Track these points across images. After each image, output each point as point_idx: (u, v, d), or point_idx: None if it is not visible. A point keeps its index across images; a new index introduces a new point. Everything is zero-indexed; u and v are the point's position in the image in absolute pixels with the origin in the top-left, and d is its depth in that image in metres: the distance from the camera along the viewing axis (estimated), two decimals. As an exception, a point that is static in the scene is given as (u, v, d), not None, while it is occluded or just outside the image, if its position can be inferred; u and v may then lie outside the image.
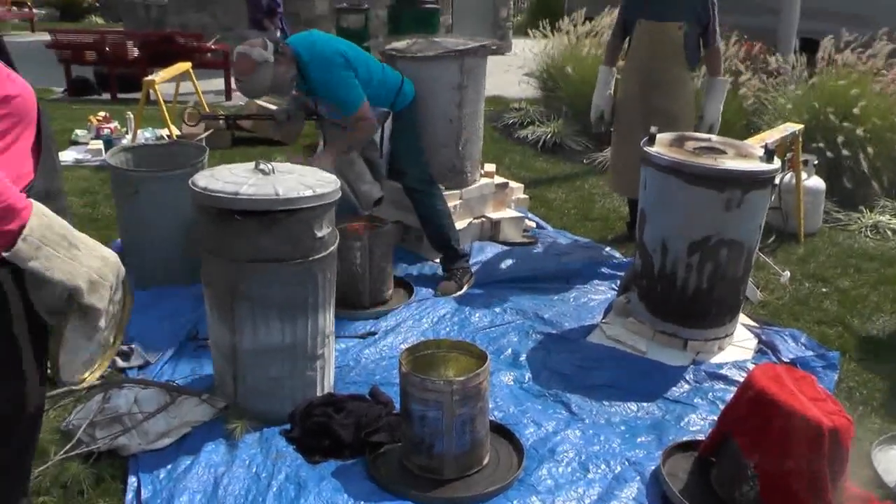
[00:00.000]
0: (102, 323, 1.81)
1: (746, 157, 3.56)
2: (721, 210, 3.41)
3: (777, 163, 3.50)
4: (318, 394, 3.18)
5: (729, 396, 3.23)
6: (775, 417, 2.40)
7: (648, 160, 3.60)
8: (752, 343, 3.76)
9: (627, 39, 4.85)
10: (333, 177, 3.09)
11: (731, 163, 3.44)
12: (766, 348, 3.71)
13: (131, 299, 2.04)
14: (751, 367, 3.50)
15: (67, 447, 2.81)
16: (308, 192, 2.84)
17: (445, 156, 4.82)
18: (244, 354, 3.01)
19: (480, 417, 2.74)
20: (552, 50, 8.60)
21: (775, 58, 6.97)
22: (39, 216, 1.66)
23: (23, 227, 1.61)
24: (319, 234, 2.93)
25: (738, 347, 3.71)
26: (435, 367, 2.92)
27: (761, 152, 3.58)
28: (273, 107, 7.42)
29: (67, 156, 6.71)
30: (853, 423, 2.47)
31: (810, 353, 3.65)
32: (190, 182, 2.93)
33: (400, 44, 4.92)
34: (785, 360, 3.57)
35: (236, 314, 2.94)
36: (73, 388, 1.83)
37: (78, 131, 7.40)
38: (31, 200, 1.66)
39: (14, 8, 16.40)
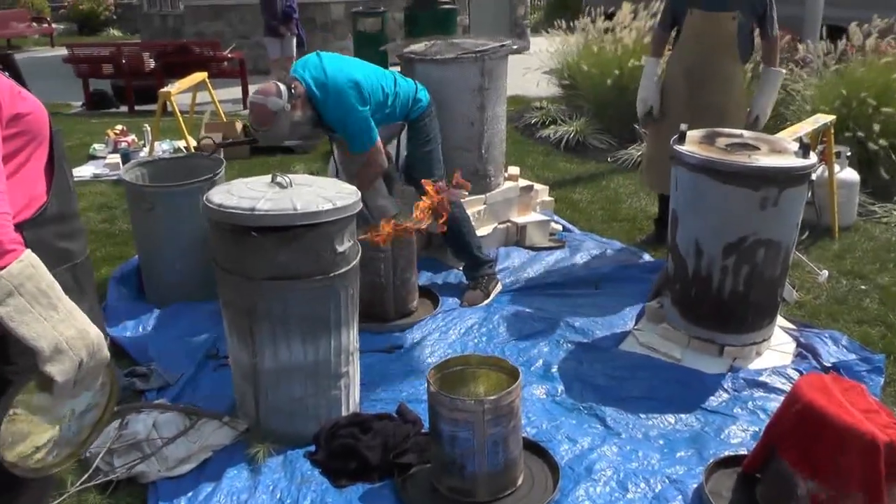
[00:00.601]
0: (61, 403, 1.69)
1: (781, 152, 3.41)
2: (757, 209, 3.27)
3: (814, 157, 3.36)
4: (344, 413, 3.07)
5: (770, 405, 3.11)
6: (825, 433, 2.27)
7: (679, 159, 3.46)
8: (791, 347, 3.60)
9: (675, 30, 4.63)
10: (353, 188, 2.98)
11: (765, 159, 3.30)
12: (805, 352, 3.55)
13: (114, 398, 1.91)
14: (791, 372, 3.37)
15: (84, 477, 2.72)
16: (328, 206, 2.73)
17: (467, 160, 4.70)
18: (265, 375, 2.91)
19: (513, 436, 2.62)
20: (570, 47, 8.44)
21: (803, 46, 6.79)
22: (26, 265, 1.57)
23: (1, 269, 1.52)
24: (340, 249, 2.82)
25: (776, 352, 3.56)
26: (465, 384, 2.80)
27: (796, 147, 3.43)
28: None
29: (85, 170, 6.66)
30: (910, 434, 2.33)
31: (853, 356, 3.49)
32: (204, 198, 2.84)
33: (418, 46, 4.81)
34: (826, 364, 3.42)
35: (255, 334, 2.84)
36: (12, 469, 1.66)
37: (96, 145, 7.36)
38: (27, 250, 1.57)
39: (34, 24, 16.47)
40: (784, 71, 4.88)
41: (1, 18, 15.51)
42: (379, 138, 3.85)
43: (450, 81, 4.54)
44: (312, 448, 2.95)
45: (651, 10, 7.54)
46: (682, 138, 3.53)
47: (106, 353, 1.75)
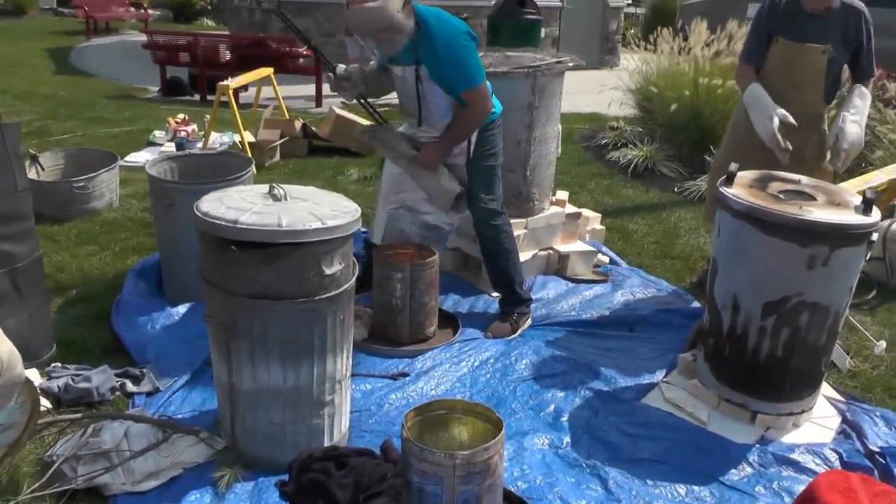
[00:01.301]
0: None
1: (839, 205, 3.06)
2: (803, 268, 2.93)
3: (876, 215, 3.00)
4: (326, 443, 2.87)
5: (798, 488, 2.78)
6: (837, 544, 1.95)
7: (723, 202, 3.14)
8: (835, 422, 3.24)
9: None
10: (354, 206, 2.77)
11: (818, 212, 2.96)
12: (850, 430, 3.18)
13: (35, 417, 1.75)
14: (828, 453, 3.01)
15: (40, 482, 2.57)
16: (316, 224, 2.53)
17: (511, 181, 4.45)
18: (242, 395, 2.74)
19: (489, 496, 2.37)
20: (650, 66, 8.08)
21: (893, 84, 6.31)
22: None
23: None
24: (329, 271, 2.62)
25: (816, 426, 3.21)
26: (447, 430, 2.56)
27: (858, 201, 3.07)
28: (357, 118, 7.23)
29: (140, 156, 6.66)
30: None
31: (905, 441, 3.12)
32: (195, 206, 2.67)
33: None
34: (872, 447, 3.04)
35: (233, 352, 2.67)
36: None
37: (156, 132, 7.38)
38: None
39: (132, 9, 16.91)
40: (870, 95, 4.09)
41: (101, 2, 15.96)
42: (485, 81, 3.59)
43: (498, 96, 4.28)
44: (286, 477, 2.75)
45: (728, 31, 7.12)
46: (729, 179, 3.22)
47: (19, 371, 1.60)
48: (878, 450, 3.03)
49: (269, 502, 2.65)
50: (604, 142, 8.10)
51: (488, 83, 3.73)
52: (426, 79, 3.57)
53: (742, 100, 4.11)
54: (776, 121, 3.77)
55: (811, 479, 2.61)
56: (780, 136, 3.77)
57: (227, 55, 9.61)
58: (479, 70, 3.58)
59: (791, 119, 3.77)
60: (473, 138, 3.77)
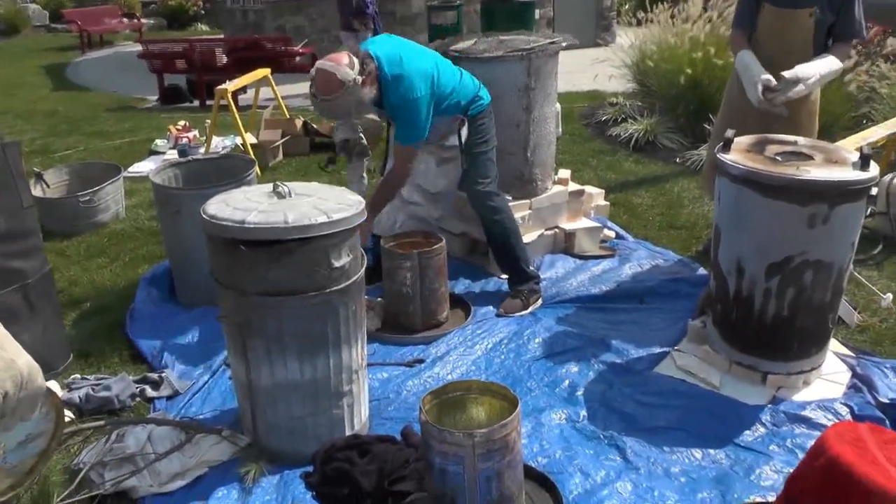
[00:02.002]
0: None
1: (837, 163, 3.08)
2: (804, 227, 2.96)
3: (874, 170, 3.01)
4: (348, 432, 2.93)
5: (810, 443, 2.78)
6: (852, 494, 1.99)
7: (722, 168, 3.17)
8: (845, 377, 3.28)
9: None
10: (358, 198, 2.82)
11: (816, 171, 2.98)
12: (861, 384, 3.22)
13: (61, 426, 1.79)
14: (839, 407, 3.05)
15: (69, 490, 2.64)
16: (322, 219, 2.58)
17: (512, 163, 4.49)
18: (262, 392, 2.79)
19: (509, 472, 2.42)
20: (645, 41, 8.08)
21: (890, 42, 6.30)
22: None
23: None
24: (337, 264, 2.66)
25: (827, 382, 3.24)
26: (465, 411, 2.61)
27: (855, 157, 3.10)
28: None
29: (144, 166, 6.71)
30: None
31: (917, 391, 3.15)
32: (201, 209, 2.73)
33: (464, 44, 4.62)
34: (883, 400, 3.07)
35: (250, 350, 2.72)
36: None
37: (158, 141, 7.43)
38: None
39: (125, 20, 16.93)
40: (840, 68, 3.96)
41: (94, 15, 16.00)
42: (420, 144, 3.71)
43: (494, 81, 4.32)
44: (310, 469, 2.81)
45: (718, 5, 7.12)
46: (727, 146, 3.24)
47: (40, 382, 1.65)
48: (888, 401, 3.07)
49: (295, 494, 2.70)
50: (604, 118, 8.10)
51: (470, 79, 3.89)
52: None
53: (732, 74, 4.15)
54: (760, 87, 3.80)
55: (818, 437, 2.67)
56: (766, 100, 3.79)
57: (224, 59, 9.65)
58: (416, 130, 3.64)
59: (774, 83, 3.79)
60: (464, 130, 3.87)
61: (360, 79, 3.38)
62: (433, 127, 3.76)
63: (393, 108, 3.61)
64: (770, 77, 3.79)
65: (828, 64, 3.82)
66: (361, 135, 4.19)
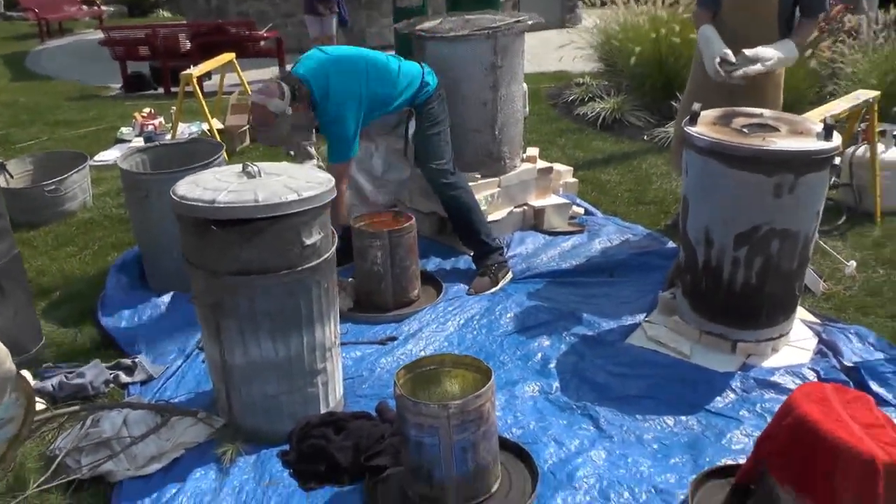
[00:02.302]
0: None
1: (802, 134, 3.14)
2: (770, 197, 3.01)
3: (837, 140, 3.07)
4: (322, 410, 2.94)
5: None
6: (819, 451, 2.04)
7: (689, 141, 3.21)
8: (812, 343, 3.35)
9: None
10: (327, 176, 2.82)
11: (782, 142, 3.03)
12: (826, 349, 3.29)
13: (32, 412, 1.78)
14: (807, 372, 3.12)
15: (45, 476, 2.63)
16: (292, 197, 2.58)
17: (480, 142, 4.51)
18: (235, 371, 2.79)
19: (484, 442, 2.45)
20: (610, 21, 8.11)
21: (848, 18, 6.37)
22: None
23: None
24: (309, 242, 2.67)
25: (794, 349, 3.31)
26: (438, 385, 2.64)
27: (819, 128, 3.15)
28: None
29: (110, 154, 6.64)
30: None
31: (880, 355, 3.21)
32: (171, 190, 2.71)
33: (430, 23, 4.62)
34: (848, 364, 3.15)
35: (223, 331, 2.72)
36: None
37: (123, 129, 7.34)
38: None
39: (84, 6, 16.63)
40: (795, 56, 3.99)
41: (52, 2, 15.64)
42: (351, 159, 3.84)
43: (460, 60, 4.34)
44: (286, 447, 2.82)
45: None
46: (693, 119, 3.28)
47: (8, 365, 1.64)
48: (852, 365, 3.15)
49: (272, 472, 2.71)
50: (571, 98, 8.13)
51: (411, 66, 3.96)
52: None
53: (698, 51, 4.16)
54: (717, 60, 3.85)
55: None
56: (723, 73, 3.84)
57: (188, 44, 9.53)
58: (342, 150, 3.75)
59: (731, 57, 3.83)
60: (412, 122, 3.99)
61: (289, 109, 3.54)
62: (382, 119, 3.90)
63: (323, 126, 3.77)
64: (729, 52, 3.84)
65: (788, 49, 3.87)
66: (307, 146, 4.49)
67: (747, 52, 3.78)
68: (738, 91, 3.93)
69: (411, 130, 4.02)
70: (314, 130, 4.09)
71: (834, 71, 6.47)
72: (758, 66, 3.80)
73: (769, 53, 3.81)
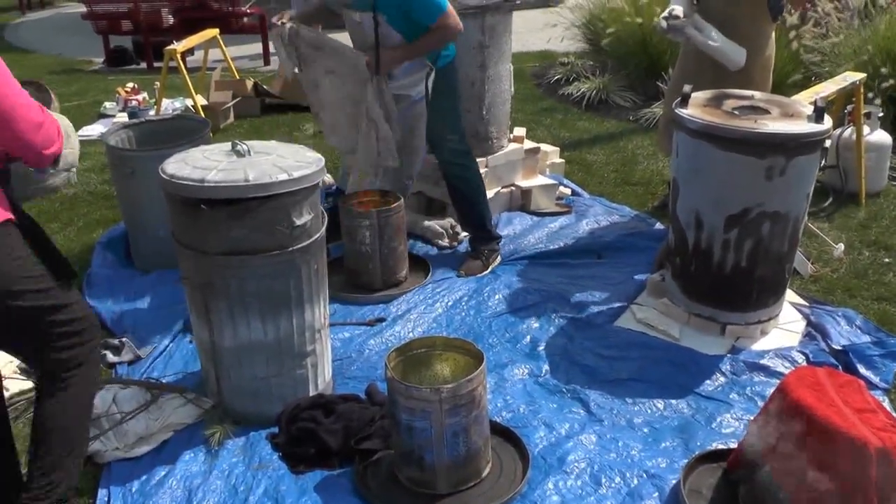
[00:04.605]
0: None
1: (793, 116, 3.13)
2: (762, 179, 3.01)
3: (828, 123, 3.07)
4: (311, 393, 2.92)
5: (769, 391, 2.86)
6: (812, 435, 2.05)
7: (680, 123, 3.20)
8: (800, 326, 3.36)
9: None
10: (317, 156, 2.78)
11: (773, 124, 3.03)
12: (815, 332, 3.31)
13: None
14: (796, 355, 3.13)
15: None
16: (283, 176, 2.55)
17: (468, 121, 4.44)
18: (225, 353, 2.77)
19: (476, 427, 2.44)
20: (588, 1, 8.07)
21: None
22: None
23: None
24: (299, 222, 2.63)
25: (783, 331, 3.32)
26: (429, 368, 2.62)
27: (810, 111, 3.15)
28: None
29: (94, 129, 6.55)
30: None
31: (867, 337, 3.23)
32: (159, 168, 2.67)
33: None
34: (836, 346, 3.16)
35: (212, 311, 2.69)
36: None
37: (107, 104, 7.25)
38: None
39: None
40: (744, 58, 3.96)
41: (32, -26, 15.45)
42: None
43: (449, 38, 4.29)
44: (276, 430, 2.81)
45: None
46: (685, 101, 3.27)
47: (74, 140, 1.91)
48: (840, 348, 3.17)
49: (261, 455, 2.69)
50: (556, 78, 8.09)
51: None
52: (384, 24, 3.53)
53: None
54: (665, 13, 3.91)
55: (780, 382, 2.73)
56: (665, 25, 3.89)
57: (171, 19, 9.40)
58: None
59: (680, 15, 3.86)
60: (430, 81, 3.75)
61: None
62: (399, 75, 3.64)
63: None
64: (678, 8, 3.89)
65: (735, 49, 3.88)
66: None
67: (697, 16, 3.89)
68: (724, 72, 3.92)
69: (430, 88, 3.72)
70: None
71: (820, 50, 6.46)
72: (695, 34, 3.86)
73: (713, 32, 3.87)
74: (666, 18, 3.88)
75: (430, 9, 3.46)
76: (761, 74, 4.11)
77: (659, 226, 4.43)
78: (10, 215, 2.23)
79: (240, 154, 2.69)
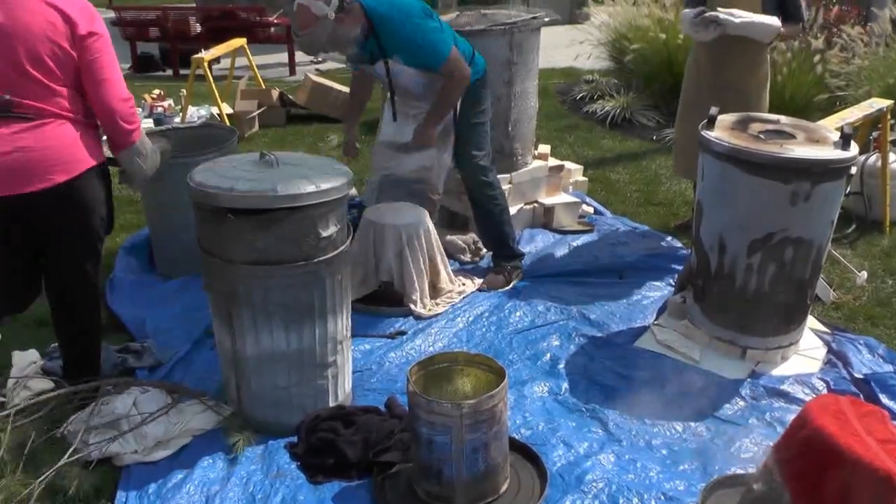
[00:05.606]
0: None
1: (818, 142, 3.13)
2: (786, 204, 3.00)
3: (854, 150, 3.06)
4: (331, 403, 2.93)
5: (789, 417, 2.85)
6: (833, 465, 2.03)
7: (706, 146, 3.21)
8: (821, 353, 3.34)
9: None
10: (345, 168, 2.81)
11: (799, 149, 3.02)
12: (836, 359, 3.29)
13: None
14: (816, 382, 3.12)
15: (65, 458, 2.60)
16: (310, 188, 2.57)
17: (494, 137, 4.44)
18: (247, 361, 2.78)
19: (496, 443, 2.44)
20: (620, 18, 8.09)
21: (849, 24, 6.38)
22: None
23: None
24: (325, 234, 2.66)
25: (803, 357, 3.30)
26: (451, 383, 2.63)
27: (836, 137, 3.14)
28: (332, 85, 7.22)
29: (119, 135, 6.60)
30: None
31: (889, 367, 3.21)
32: (188, 177, 2.70)
33: (446, 17, 4.59)
34: (857, 375, 3.15)
35: (235, 319, 2.71)
36: None
37: (133, 109, 7.31)
38: None
39: (94, -16, 16.57)
40: (775, 28, 4.00)
41: (62, -22, 15.60)
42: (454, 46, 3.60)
43: (476, 55, 4.32)
44: (295, 439, 2.82)
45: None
46: (711, 123, 3.27)
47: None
48: (862, 376, 3.15)
49: (280, 464, 2.71)
50: (580, 95, 8.11)
51: (464, 45, 3.75)
52: (400, 65, 3.62)
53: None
54: (691, 12, 4.02)
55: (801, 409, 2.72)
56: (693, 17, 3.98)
57: (198, 28, 9.51)
58: (443, 42, 3.56)
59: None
60: (458, 109, 3.80)
61: (332, 14, 3.38)
62: (425, 88, 3.69)
63: (400, 39, 3.52)
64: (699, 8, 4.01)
65: (765, 17, 3.96)
66: None
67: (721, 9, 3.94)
68: (723, 89, 4.05)
69: (459, 105, 3.79)
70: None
71: (844, 78, 6.45)
72: (728, 17, 3.90)
73: (744, 13, 3.93)
74: (695, 15, 3.97)
75: (432, 57, 3.57)
76: (757, 93, 4.20)
77: (681, 247, 4.42)
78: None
79: (268, 164, 2.72)
